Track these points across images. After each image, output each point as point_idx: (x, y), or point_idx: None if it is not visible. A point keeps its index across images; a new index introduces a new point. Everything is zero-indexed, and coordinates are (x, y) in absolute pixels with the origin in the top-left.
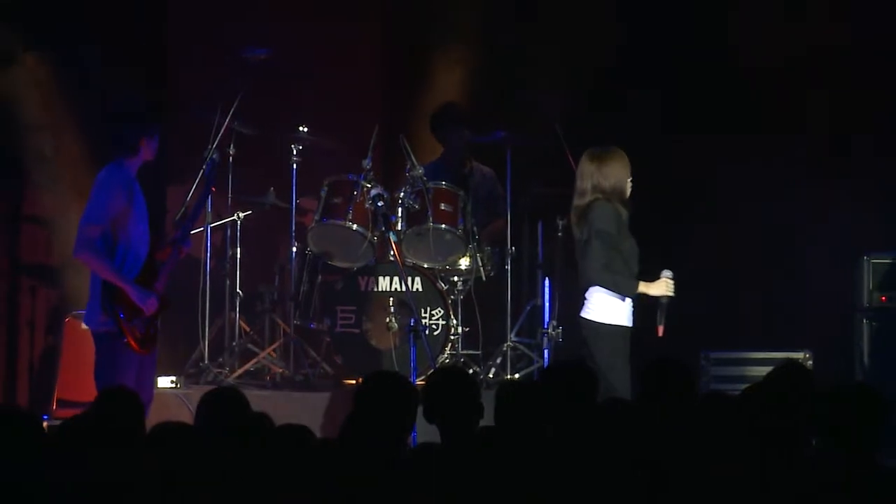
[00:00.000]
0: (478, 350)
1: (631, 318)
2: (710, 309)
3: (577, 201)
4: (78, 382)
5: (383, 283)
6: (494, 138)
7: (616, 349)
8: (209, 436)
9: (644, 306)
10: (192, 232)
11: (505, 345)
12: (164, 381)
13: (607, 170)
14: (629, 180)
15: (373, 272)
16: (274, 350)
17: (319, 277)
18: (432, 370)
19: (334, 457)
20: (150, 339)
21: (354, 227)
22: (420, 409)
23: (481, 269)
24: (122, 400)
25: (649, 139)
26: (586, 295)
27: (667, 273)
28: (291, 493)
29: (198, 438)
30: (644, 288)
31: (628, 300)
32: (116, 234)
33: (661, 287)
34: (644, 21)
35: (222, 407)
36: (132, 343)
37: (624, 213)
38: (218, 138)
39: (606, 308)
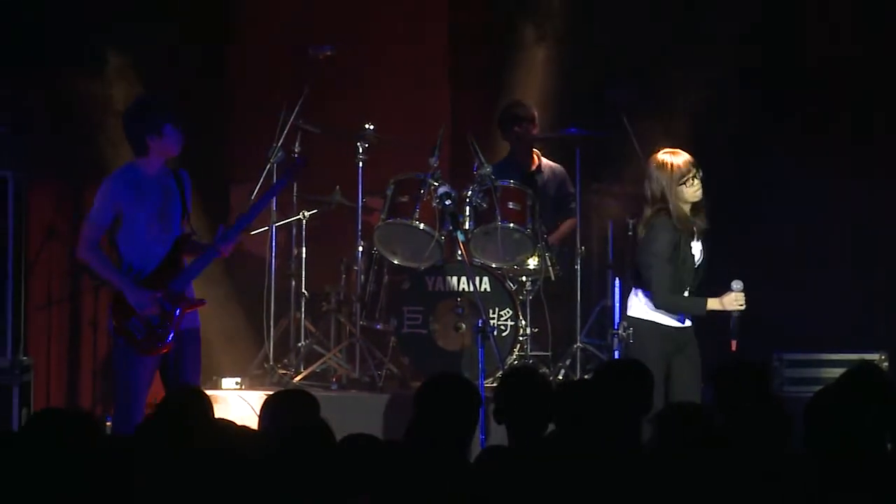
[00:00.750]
0: (547, 351)
1: (677, 318)
2: (783, 309)
3: (644, 207)
4: None
5: (451, 283)
6: (564, 135)
7: (647, 347)
8: (273, 438)
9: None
10: (256, 231)
11: (574, 346)
12: (229, 383)
13: (655, 174)
14: (680, 185)
15: (440, 272)
16: (339, 351)
17: (386, 277)
18: (502, 370)
19: (399, 460)
20: (158, 339)
21: (421, 226)
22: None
23: (550, 268)
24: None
25: (728, 136)
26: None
27: (737, 286)
28: (356, 497)
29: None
30: (715, 304)
31: None
32: (120, 235)
33: (732, 301)
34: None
35: (288, 409)
36: (130, 344)
37: (681, 221)
38: (283, 136)
39: (646, 305)
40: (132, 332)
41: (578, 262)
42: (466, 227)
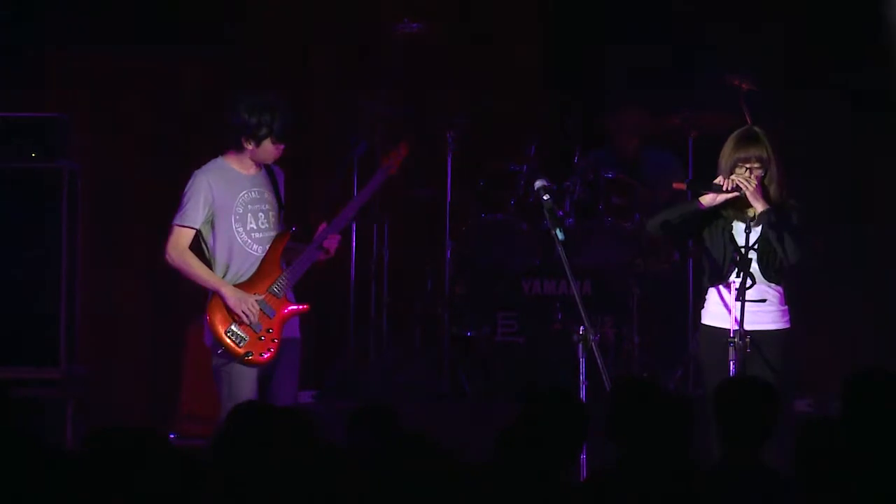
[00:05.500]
0: (655, 362)
1: (728, 319)
2: None
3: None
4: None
5: (548, 286)
6: (673, 119)
7: (703, 350)
8: (358, 455)
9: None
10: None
11: (686, 355)
12: (304, 397)
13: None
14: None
15: (537, 274)
16: (426, 360)
17: (477, 280)
18: (606, 382)
19: (491, 479)
20: (263, 347)
21: (517, 223)
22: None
23: (658, 268)
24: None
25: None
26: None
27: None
28: None
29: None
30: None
31: (716, 299)
32: (218, 235)
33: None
34: None
35: (370, 424)
36: (234, 353)
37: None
38: (366, 126)
39: (705, 306)
40: (233, 341)
41: (690, 263)
42: (566, 223)
